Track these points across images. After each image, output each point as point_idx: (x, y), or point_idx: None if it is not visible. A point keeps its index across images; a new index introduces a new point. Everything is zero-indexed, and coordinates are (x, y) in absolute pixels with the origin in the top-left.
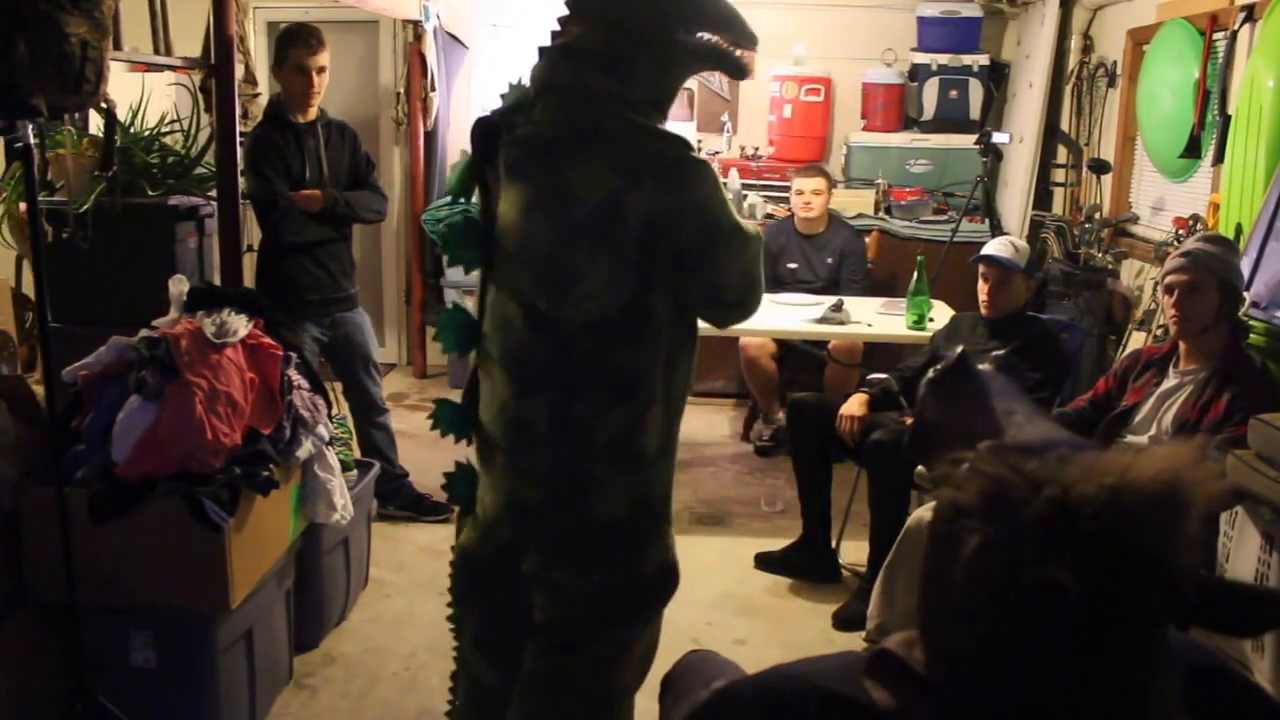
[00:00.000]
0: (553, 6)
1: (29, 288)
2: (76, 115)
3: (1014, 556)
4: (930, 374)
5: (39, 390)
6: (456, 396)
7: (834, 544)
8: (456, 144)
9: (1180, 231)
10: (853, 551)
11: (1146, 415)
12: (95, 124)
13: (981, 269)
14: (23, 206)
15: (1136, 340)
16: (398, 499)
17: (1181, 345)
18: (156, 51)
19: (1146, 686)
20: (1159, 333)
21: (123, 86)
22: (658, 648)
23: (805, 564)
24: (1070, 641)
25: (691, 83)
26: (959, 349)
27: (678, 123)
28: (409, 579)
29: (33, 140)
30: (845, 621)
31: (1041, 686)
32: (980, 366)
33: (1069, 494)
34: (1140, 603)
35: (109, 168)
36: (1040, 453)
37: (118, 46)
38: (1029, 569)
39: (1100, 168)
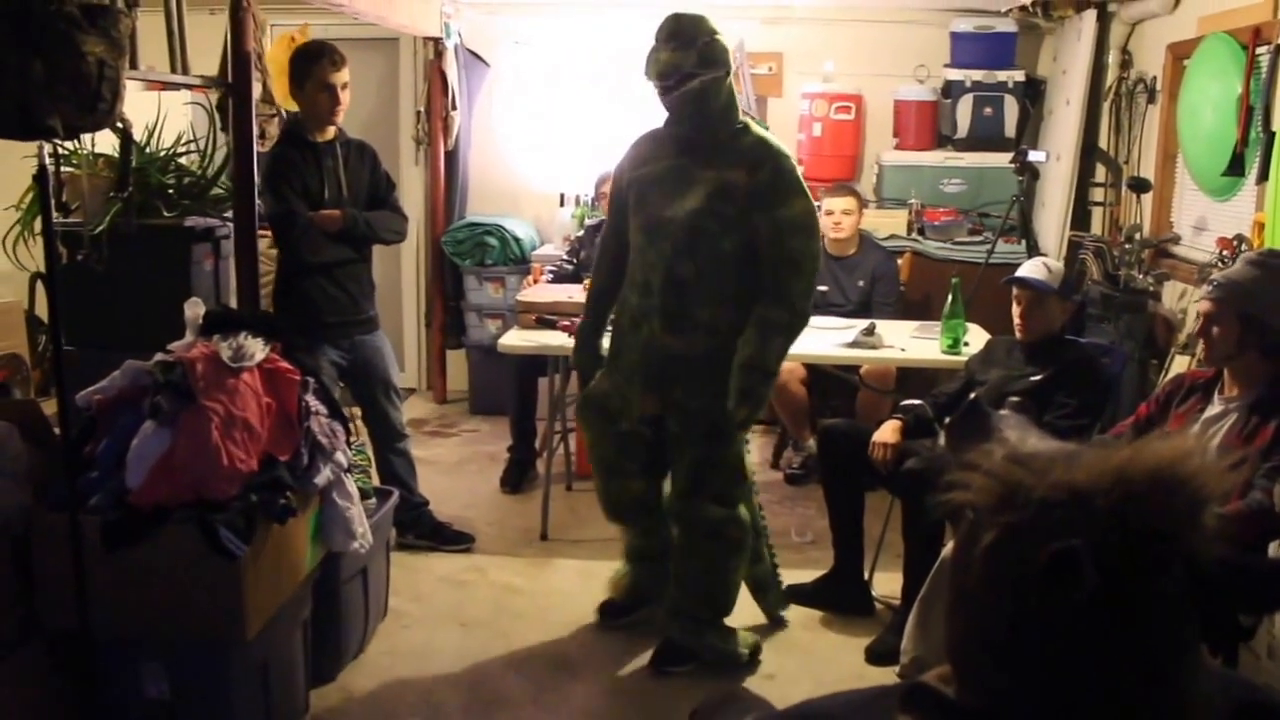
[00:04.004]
0: (575, 25)
1: (43, 310)
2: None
3: (1028, 541)
4: (947, 420)
5: (52, 413)
6: (477, 423)
7: (867, 575)
8: (478, 164)
9: (1224, 252)
10: (886, 583)
11: None
12: (110, 144)
13: (1014, 291)
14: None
15: (1179, 365)
16: (417, 528)
17: (1225, 371)
18: (173, 70)
19: (1181, 693)
20: (1202, 357)
21: (138, 105)
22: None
23: (837, 596)
24: (1093, 629)
25: None
26: (972, 396)
27: None
28: (429, 610)
29: (48, 161)
30: (879, 655)
31: (1071, 686)
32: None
33: (1076, 477)
34: (1158, 582)
35: (125, 188)
36: (1050, 453)
37: (134, 65)
38: (1043, 549)
39: (1140, 186)
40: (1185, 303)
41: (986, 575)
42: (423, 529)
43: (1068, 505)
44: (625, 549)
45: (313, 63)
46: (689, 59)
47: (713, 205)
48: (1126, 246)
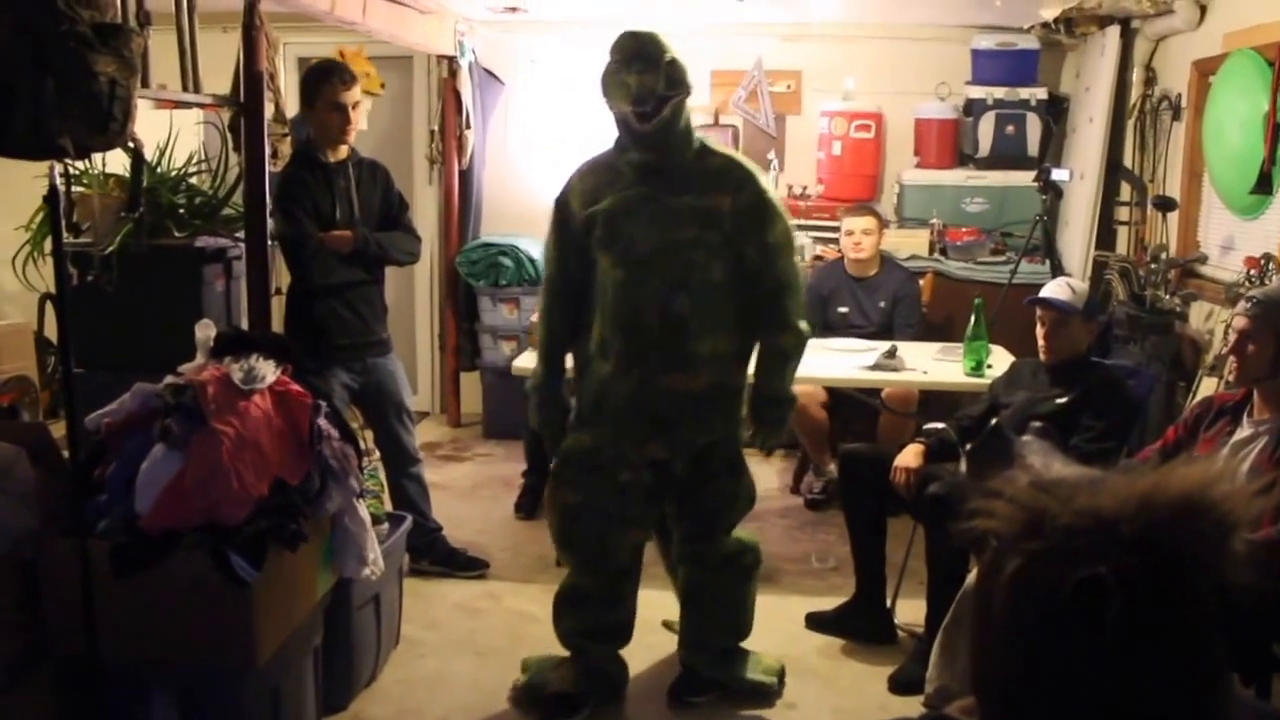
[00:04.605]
0: (591, 43)
1: (52, 331)
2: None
3: (1053, 569)
4: (968, 447)
5: (61, 436)
6: (491, 447)
7: (889, 603)
8: (493, 183)
9: (1252, 272)
10: (909, 611)
11: None
12: (121, 163)
13: (1038, 312)
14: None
15: (1207, 387)
16: (431, 553)
17: (1255, 393)
18: (185, 89)
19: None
20: (1230, 378)
21: (150, 124)
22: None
23: (859, 624)
24: (1119, 658)
25: (736, 120)
26: (994, 421)
27: None
28: (442, 638)
29: (59, 181)
30: (902, 685)
31: (1098, 717)
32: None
33: (1101, 504)
34: (1186, 611)
35: (136, 208)
36: (1074, 480)
37: (145, 84)
38: (1068, 576)
39: (1166, 205)
40: (1212, 323)
41: (1011, 603)
42: (436, 555)
43: (1093, 532)
44: (582, 628)
45: (323, 82)
46: (659, 81)
47: (700, 234)
48: (1152, 266)
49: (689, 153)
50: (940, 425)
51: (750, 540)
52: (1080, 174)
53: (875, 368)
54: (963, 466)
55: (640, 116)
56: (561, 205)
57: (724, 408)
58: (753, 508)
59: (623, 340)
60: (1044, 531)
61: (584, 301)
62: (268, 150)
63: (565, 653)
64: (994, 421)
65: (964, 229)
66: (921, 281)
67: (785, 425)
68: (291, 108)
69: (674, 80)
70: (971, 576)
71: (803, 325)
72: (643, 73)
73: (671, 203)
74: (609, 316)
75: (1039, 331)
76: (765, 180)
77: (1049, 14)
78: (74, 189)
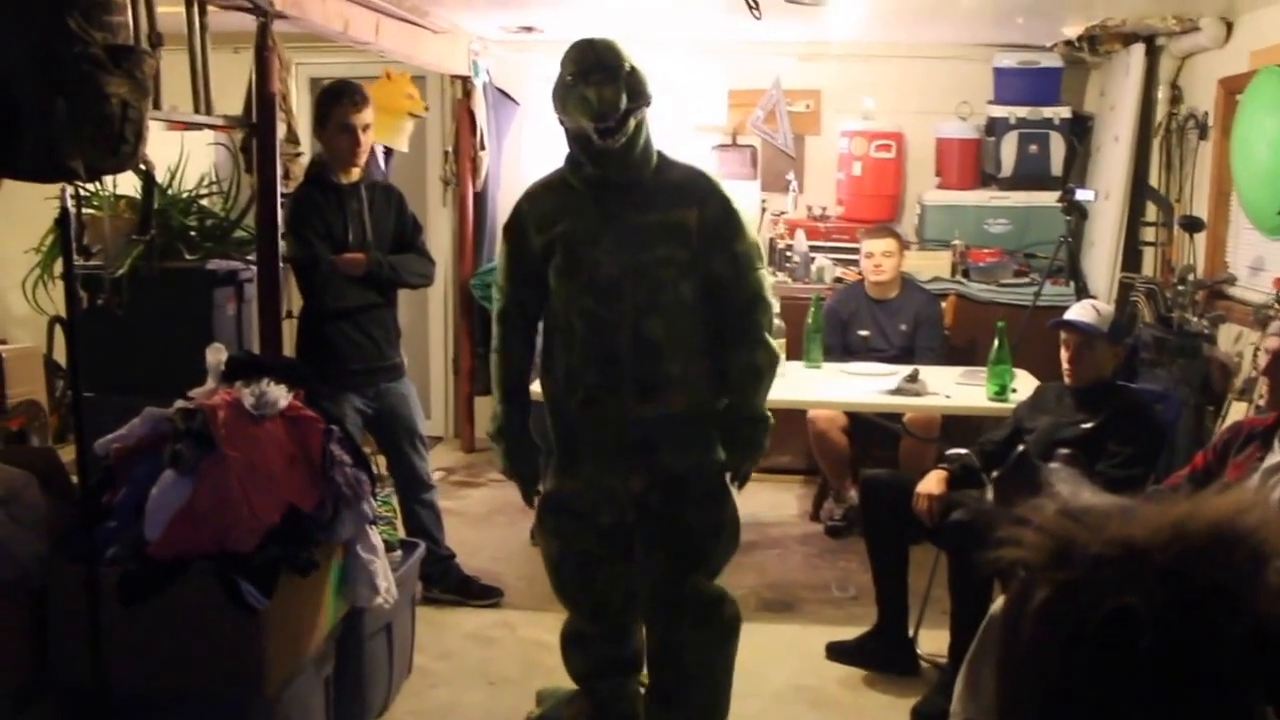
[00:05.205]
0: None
1: (61, 354)
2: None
3: (1082, 599)
4: (995, 473)
5: (70, 461)
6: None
7: (912, 632)
8: (507, 205)
9: None
10: (932, 641)
11: None
12: (132, 185)
13: (1062, 335)
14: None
15: (1237, 411)
16: (444, 581)
17: None
18: (196, 110)
19: None
20: (1260, 403)
21: (161, 146)
22: None
23: (881, 654)
24: (1150, 691)
25: (754, 140)
26: (1021, 447)
27: (742, 181)
28: (455, 668)
29: (70, 204)
30: (925, 717)
31: None
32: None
33: (1132, 533)
34: (1219, 643)
35: (147, 231)
36: (1104, 508)
37: (157, 105)
38: (1098, 607)
39: (1193, 225)
40: (1241, 346)
41: (1039, 634)
42: (449, 583)
43: (1123, 562)
44: (589, 668)
45: (333, 103)
46: (620, 94)
47: (667, 252)
48: (1179, 288)
49: (648, 167)
50: (963, 451)
51: (727, 592)
52: (1105, 194)
53: (896, 392)
54: (989, 494)
55: (602, 133)
56: (514, 232)
57: (702, 430)
58: (737, 547)
59: (595, 372)
60: (1073, 561)
61: (543, 332)
62: (279, 171)
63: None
64: (1021, 448)
65: (986, 250)
66: (943, 304)
67: (762, 449)
68: (304, 128)
69: (635, 91)
70: (996, 605)
71: (771, 340)
72: (602, 85)
73: (635, 221)
74: (578, 348)
75: (1063, 355)
76: (728, 189)
77: (1072, 32)
78: (84, 211)
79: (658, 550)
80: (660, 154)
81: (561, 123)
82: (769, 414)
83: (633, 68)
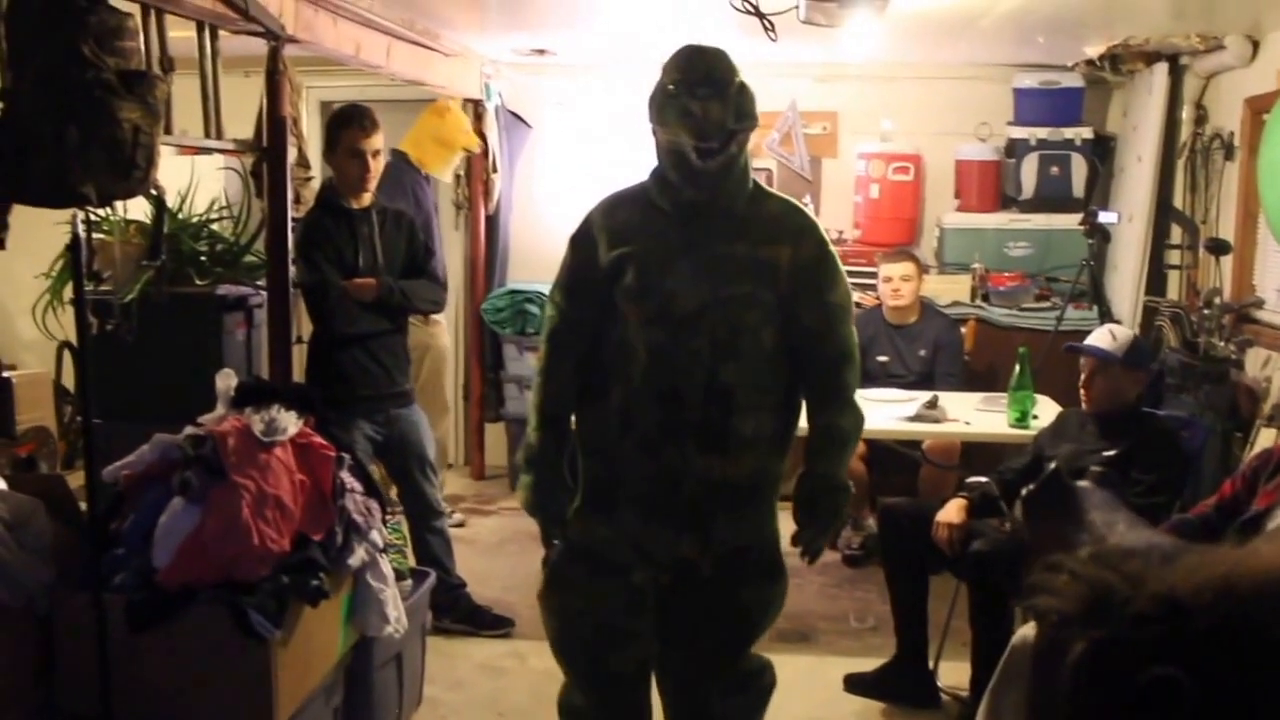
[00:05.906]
0: (619, 85)
1: (70, 380)
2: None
3: (1122, 660)
4: (1024, 491)
5: (78, 488)
6: (515, 501)
7: (931, 664)
8: (519, 229)
9: None
10: (953, 673)
11: None
12: (142, 209)
13: (1080, 360)
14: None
15: (1266, 438)
16: (455, 611)
17: None
18: (207, 134)
19: None
20: None
21: (171, 170)
22: None
23: (900, 686)
24: None
25: (770, 162)
26: (1053, 464)
27: None
28: (466, 699)
29: (81, 229)
30: None
31: None
32: (1081, 483)
33: (1177, 589)
34: (1268, 707)
35: (157, 256)
36: (1143, 554)
37: (168, 129)
38: (1140, 671)
39: (1219, 248)
40: (1270, 370)
41: (1075, 690)
42: (460, 612)
43: (1166, 622)
44: None
45: (343, 128)
46: (727, 112)
47: (752, 290)
48: (1205, 312)
49: (743, 194)
50: (983, 479)
51: (769, 661)
52: (1129, 216)
53: (916, 419)
54: (1017, 512)
55: (702, 153)
56: (581, 243)
57: (763, 501)
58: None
59: (656, 413)
60: (1111, 616)
61: (593, 359)
62: (290, 196)
63: None
64: (1053, 466)
65: (1007, 274)
66: (963, 329)
67: (842, 522)
68: (314, 152)
69: (743, 111)
70: (1017, 636)
71: (858, 401)
72: (709, 100)
73: (721, 251)
74: (639, 384)
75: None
76: (824, 231)
77: (1093, 51)
78: (95, 236)
79: (705, 624)
80: (756, 182)
81: (654, 134)
82: (850, 483)
83: (742, 84)
